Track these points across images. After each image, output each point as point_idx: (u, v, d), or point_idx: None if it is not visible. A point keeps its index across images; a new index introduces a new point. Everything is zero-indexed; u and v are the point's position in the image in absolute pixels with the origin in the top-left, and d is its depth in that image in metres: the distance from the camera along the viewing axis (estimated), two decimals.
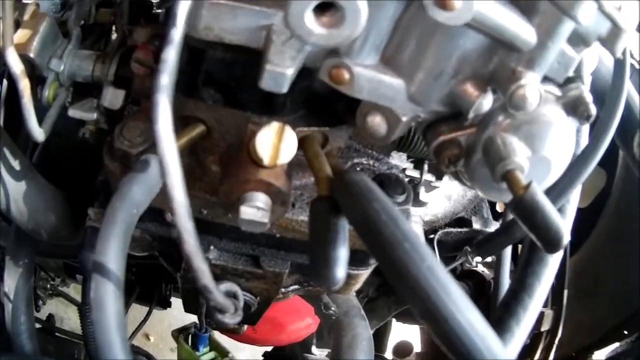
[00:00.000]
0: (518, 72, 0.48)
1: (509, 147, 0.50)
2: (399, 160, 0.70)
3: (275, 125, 0.50)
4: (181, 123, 0.61)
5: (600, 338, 1.03)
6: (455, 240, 0.87)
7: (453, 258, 0.90)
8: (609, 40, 0.51)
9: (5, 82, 1.32)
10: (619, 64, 0.70)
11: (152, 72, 0.68)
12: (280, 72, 0.46)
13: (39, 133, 0.70)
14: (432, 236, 0.84)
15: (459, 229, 0.85)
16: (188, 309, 0.83)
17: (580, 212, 0.98)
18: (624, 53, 0.69)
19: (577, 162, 0.70)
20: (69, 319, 2.20)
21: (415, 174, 0.74)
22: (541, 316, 0.94)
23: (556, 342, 0.94)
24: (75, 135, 0.82)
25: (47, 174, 0.86)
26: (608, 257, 1.08)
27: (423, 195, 0.73)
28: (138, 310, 1.70)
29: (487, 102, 0.50)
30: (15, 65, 0.64)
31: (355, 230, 0.48)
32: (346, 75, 0.49)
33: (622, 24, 0.50)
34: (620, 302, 1.04)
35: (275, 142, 0.50)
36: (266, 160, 0.50)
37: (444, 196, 0.85)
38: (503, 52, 0.49)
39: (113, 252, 0.46)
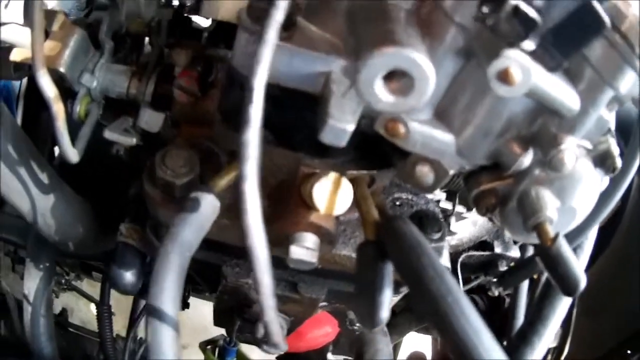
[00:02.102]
0: (560, 137, 0.52)
1: (542, 200, 0.55)
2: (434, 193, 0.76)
3: (332, 176, 0.55)
4: (233, 157, 0.65)
5: (604, 356, 1.09)
6: (477, 262, 0.93)
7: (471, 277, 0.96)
8: None
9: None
10: None
11: (196, 99, 0.71)
12: (342, 128, 0.50)
13: (73, 154, 0.70)
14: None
15: (482, 252, 0.91)
16: (219, 323, 0.88)
17: None
18: None
19: (597, 203, 0.75)
20: (79, 311, 2.25)
21: (448, 205, 0.79)
22: None
23: (563, 357, 1.00)
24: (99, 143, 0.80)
25: (67, 178, 0.86)
26: (617, 276, 1.14)
27: (453, 225, 0.78)
28: None
29: (527, 159, 0.55)
30: (49, 89, 0.62)
31: (403, 279, 0.53)
32: (402, 130, 0.53)
33: None
34: (625, 321, 1.10)
35: (332, 193, 0.55)
36: (322, 211, 0.55)
37: (470, 222, 0.90)
38: (547, 116, 0.53)
39: (168, 296, 0.50)
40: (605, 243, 1.17)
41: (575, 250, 0.84)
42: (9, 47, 0.72)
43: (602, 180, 0.63)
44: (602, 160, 0.61)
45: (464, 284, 0.95)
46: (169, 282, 0.51)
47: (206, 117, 0.68)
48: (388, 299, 0.52)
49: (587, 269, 1.12)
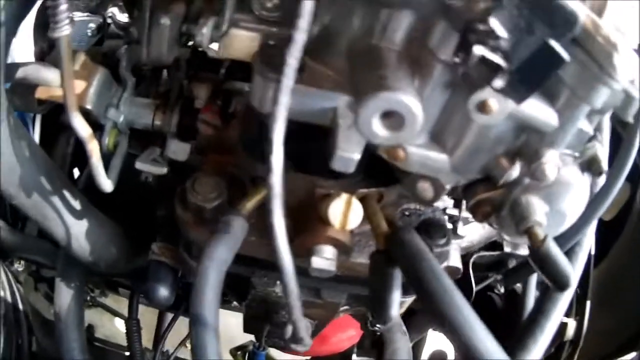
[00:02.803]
0: (541, 151, 0.63)
1: (531, 207, 0.66)
2: (441, 201, 0.86)
3: (344, 196, 0.66)
4: (255, 182, 0.77)
5: (618, 347, 1.19)
6: (488, 262, 1.04)
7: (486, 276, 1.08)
8: (622, 108, 0.62)
9: None
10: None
11: (218, 130, 0.83)
12: (349, 157, 0.62)
13: (107, 185, 0.79)
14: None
15: (492, 252, 1.02)
16: (248, 330, 1.01)
17: (604, 224, 1.14)
18: None
19: (593, 202, 0.86)
20: (102, 326, 2.40)
21: (455, 211, 0.90)
22: (564, 326, 1.11)
23: (578, 351, 1.10)
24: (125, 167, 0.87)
25: (95, 201, 0.92)
26: (629, 268, 1.24)
27: (460, 229, 0.89)
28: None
29: (515, 172, 0.66)
30: (82, 129, 0.71)
31: (407, 281, 0.64)
32: (401, 154, 0.64)
33: (635, 94, 0.60)
34: (638, 313, 1.20)
35: (345, 211, 0.66)
36: (337, 226, 0.67)
37: (479, 225, 1.01)
38: (529, 132, 0.64)
39: (209, 306, 0.63)
40: (617, 234, 1.27)
41: (574, 247, 0.94)
42: (33, 84, 0.78)
43: (590, 183, 0.73)
44: (589, 165, 0.71)
45: (478, 282, 1.06)
46: (209, 294, 0.64)
47: (229, 145, 0.79)
48: (397, 299, 0.64)
49: (597, 263, 1.22)
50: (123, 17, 1.22)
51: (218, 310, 0.64)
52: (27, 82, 0.77)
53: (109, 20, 1.25)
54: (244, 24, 0.68)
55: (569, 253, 0.95)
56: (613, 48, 0.56)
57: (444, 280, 0.60)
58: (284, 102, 0.51)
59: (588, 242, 0.93)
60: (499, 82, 0.50)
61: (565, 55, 0.52)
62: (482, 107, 0.55)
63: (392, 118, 0.54)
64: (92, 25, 1.31)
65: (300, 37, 0.50)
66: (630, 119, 0.66)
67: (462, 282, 0.99)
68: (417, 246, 0.64)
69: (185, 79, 0.89)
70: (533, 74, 0.52)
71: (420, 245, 0.64)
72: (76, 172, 1.35)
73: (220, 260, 0.67)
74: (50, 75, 0.76)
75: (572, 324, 1.13)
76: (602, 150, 0.71)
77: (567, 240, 0.91)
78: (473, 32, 0.49)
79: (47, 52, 1.33)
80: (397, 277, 0.65)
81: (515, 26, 0.50)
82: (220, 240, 0.67)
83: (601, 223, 1.12)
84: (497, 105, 0.55)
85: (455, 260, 0.90)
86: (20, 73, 0.76)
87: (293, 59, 0.53)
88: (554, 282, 0.65)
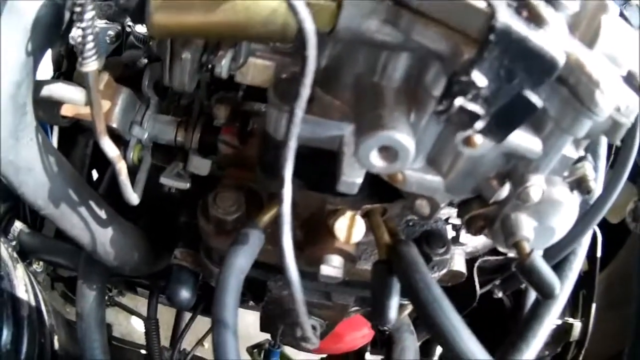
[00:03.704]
0: (526, 175, 0.75)
1: (520, 223, 0.78)
2: (444, 210, 0.99)
3: (349, 214, 0.80)
4: (272, 197, 0.91)
5: (623, 349, 1.30)
6: (493, 266, 1.17)
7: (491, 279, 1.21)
8: (610, 133, 0.71)
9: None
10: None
11: (237, 150, 0.96)
12: (352, 182, 0.75)
13: (134, 198, 0.90)
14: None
15: (496, 257, 1.14)
16: (265, 329, 1.15)
17: (611, 227, 1.26)
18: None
19: (589, 213, 0.98)
20: (119, 324, 2.58)
21: (457, 220, 1.03)
22: (570, 327, 1.24)
23: (583, 352, 1.23)
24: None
25: (114, 203, 1.01)
26: (636, 270, 1.35)
27: (463, 237, 1.02)
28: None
29: (504, 192, 0.78)
30: (111, 150, 0.80)
31: (402, 290, 0.78)
32: (400, 177, 0.77)
33: (622, 120, 0.69)
34: None
35: (349, 226, 0.80)
36: (342, 240, 0.80)
37: None
38: (517, 158, 0.76)
39: (229, 310, 0.76)
40: (624, 236, 1.38)
41: (568, 256, 1.07)
42: (58, 102, 0.85)
43: (578, 201, 0.85)
44: (578, 183, 0.83)
45: (484, 285, 1.19)
46: (229, 299, 0.78)
47: (248, 162, 0.93)
48: (395, 304, 0.78)
49: (604, 265, 1.34)
50: (142, 29, 1.33)
51: (237, 314, 0.78)
52: (53, 99, 0.84)
53: (128, 29, 1.36)
54: (260, 53, 0.81)
55: (564, 261, 1.08)
56: (595, 85, 0.65)
57: (434, 291, 0.73)
58: (292, 152, 0.63)
59: (582, 253, 1.06)
60: (479, 125, 0.63)
61: (539, 103, 0.62)
62: (468, 142, 0.67)
63: (388, 152, 0.67)
64: (111, 32, 1.43)
65: (310, 71, 0.61)
66: (618, 142, 0.75)
67: (467, 286, 1.12)
68: (413, 258, 0.77)
69: (206, 97, 1.01)
70: (509, 119, 0.64)
71: (416, 258, 0.77)
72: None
73: (239, 269, 0.80)
74: (75, 94, 0.82)
75: (577, 325, 1.25)
76: (591, 169, 0.83)
77: (562, 249, 1.03)
78: (456, 83, 0.61)
79: (64, 55, 1.46)
80: (396, 285, 0.79)
81: (496, 75, 0.62)
82: (239, 251, 0.81)
83: (608, 226, 1.24)
84: (481, 140, 0.68)
85: (459, 265, 1.04)
86: (45, 91, 0.83)
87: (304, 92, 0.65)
88: (540, 292, 0.77)
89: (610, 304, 1.32)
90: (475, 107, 0.61)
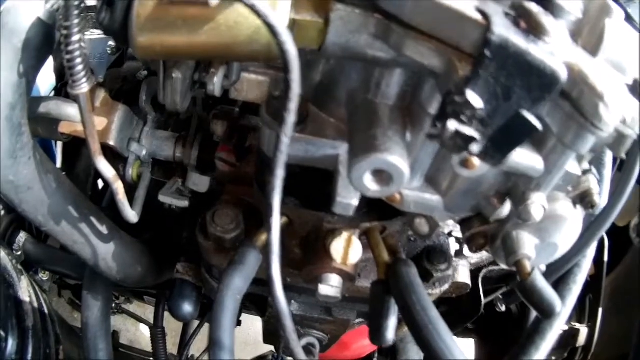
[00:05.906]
0: (527, 193, 0.71)
1: (521, 241, 0.74)
2: (447, 224, 0.96)
3: (345, 235, 0.77)
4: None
5: (631, 353, 1.27)
6: (498, 275, 1.13)
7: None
8: (614, 146, 0.65)
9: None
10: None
11: (235, 167, 0.93)
12: (348, 203, 0.72)
13: (133, 216, 0.88)
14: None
15: (501, 267, 1.11)
16: (268, 341, 1.13)
17: (618, 230, 1.22)
18: None
19: (594, 224, 0.94)
20: (127, 331, 2.58)
21: (460, 234, 0.99)
22: (576, 333, 1.20)
23: (590, 357, 1.19)
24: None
25: (116, 216, 0.95)
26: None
27: (466, 251, 0.99)
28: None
29: (505, 210, 0.75)
30: (107, 171, 0.78)
31: (399, 310, 0.75)
32: (397, 197, 0.74)
33: (628, 132, 0.63)
34: None
35: (346, 248, 0.77)
36: (339, 261, 0.77)
37: None
38: (518, 176, 0.72)
39: (226, 331, 0.74)
40: (630, 240, 1.34)
41: (573, 269, 1.03)
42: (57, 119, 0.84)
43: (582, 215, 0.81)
44: (581, 198, 0.79)
45: (490, 293, 1.16)
46: (226, 319, 0.75)
47: (246, 179, 0.90)
48: (393, 324, 0.75)
49: (610, 269, 1.30)
50: None
51: (234, 333, 0.76)
52: (50, 117, 0.84)
53: None
54: (254, 68, 0.78)
55: (568, 274, 1.04)
56: (599, 98, 0.60)
57: (430, 313, 0.70)
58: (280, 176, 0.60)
59: (587, 265, 1.02)
60: (475, 148, 0.59)
61: (537, 125, 0.57)
62: (465, 164, 0.64)
63: (382, 175, 0.64)
64: (112, 43, 1.42)
65: (295, 96, 0.57)
66: (623, 155, 0.70)
67: (473, 295, 1.09)
68: (410, 279, 0.74)
69: (204, 112, 0.99)
70: (507, 141, 0.60)
71: (414, 279, 0.74)
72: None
73: (236, 289, 0.78)
74: (72, 112, 0.82)
75: (584, 330, 1.22)
76: (595, 183, 0.79)
77: (566, 262, 1.00)
78: (450, 104, 0.58)
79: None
80: (394, 305, 0.76)
81: (492, 94, 0.58)
82: (236, 272, 0.78)
83: (615, 229, 1.20)
84: (479, 162, 0.64)
85: (464, 277, 1.00)
86: (42, 108, 0.83)
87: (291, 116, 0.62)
88: (540, 312, 0.74)
89: (616, 309, 1.29)
90: (470, 131, 0.58)
